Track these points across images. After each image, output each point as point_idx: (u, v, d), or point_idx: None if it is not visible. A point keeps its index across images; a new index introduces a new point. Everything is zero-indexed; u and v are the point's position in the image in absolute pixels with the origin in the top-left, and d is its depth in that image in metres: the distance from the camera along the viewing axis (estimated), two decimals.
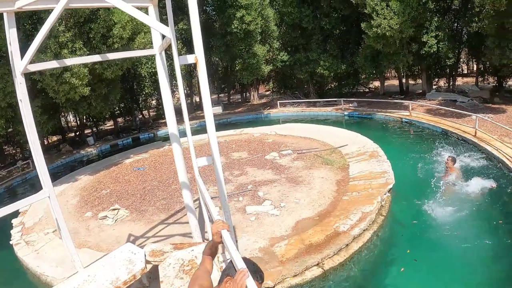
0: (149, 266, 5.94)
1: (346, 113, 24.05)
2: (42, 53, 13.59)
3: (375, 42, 21.27)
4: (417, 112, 20.62)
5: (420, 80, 27.82)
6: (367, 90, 31.95)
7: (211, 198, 5.03)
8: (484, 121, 15.52)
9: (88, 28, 15.51)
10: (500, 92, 22.54)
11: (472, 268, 7.32)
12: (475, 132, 14.85)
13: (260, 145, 16.29)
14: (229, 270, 2.77)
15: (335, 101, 26.11)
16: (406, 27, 19.56)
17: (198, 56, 4.89)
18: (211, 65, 32.81)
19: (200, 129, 23.16)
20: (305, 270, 7.12)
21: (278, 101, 28.40)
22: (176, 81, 25.54)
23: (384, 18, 19.62)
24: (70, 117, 30.66)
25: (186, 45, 26.10)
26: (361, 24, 21.82)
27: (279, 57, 28.53)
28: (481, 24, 17.38)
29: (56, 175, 16.22)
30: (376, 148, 13.84)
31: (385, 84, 30.20)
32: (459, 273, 7.18)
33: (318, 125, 19.89)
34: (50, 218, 10.31)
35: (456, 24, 24.17)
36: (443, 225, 8.79)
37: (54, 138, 26.97)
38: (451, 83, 26.77)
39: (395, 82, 31.25)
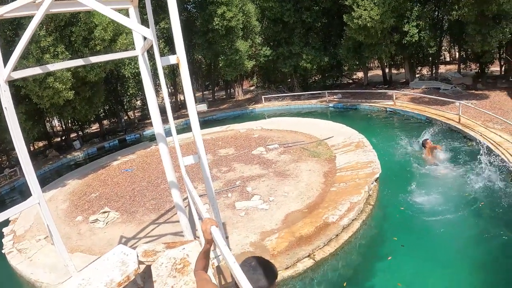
0: (142, 267, 5.99)
1: (330, 105, 24.16)
2: (24, 59, 13.46)
3: (357, 34, 21.40)
4: (401, 101, 20.82)
5: (403, 70, 28.02)
6: (351, 81, 32.07)
7: (200, 196, 5.09)
8: (467, 107, 15.73)
9: (69, 32, 15.37)
10: (482, 78, 22.77)
11: (457, 252, 7.48)
12: (459, 119, 15.05)
13: (247, 141, 16.34)
14: (259, 283, 2.75)
15: (320, 93, 26.21)
16: (387, 17, 19.74)
17: (180, 57, 4.94)
18: (194, 62, 32.73)
19: (186, 128, 23.12)
20: (296, 262, 7.20)
21: (262, 96, 28.42)
22: (159, 80, 25.52)
23: (365, 9, 19.78)
24: (55, 122, 30.43)
25: (169, 43, 26.01)
26: (343, 16, 21.94)
27: (262, 52, 28.56)
28: (461, 12, 17.54)
29: (45, 181, 16.08)
30: (362, 138, 13.97)
31: (369, 74, 30.37)
32: (445, 257, 7.33)
33: (304, 118, 20.00)
34: (41, 225, 10.25)
35: (436, 13, 24.31)
36: (428, 211, 8.99)
37: (40, 144, 26.74)
38: (434, 71, 26.99)
39: (379, 72, 31.44)
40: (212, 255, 6.16)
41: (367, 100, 22.84)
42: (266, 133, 17.43)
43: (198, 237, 6.27)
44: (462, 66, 26.74)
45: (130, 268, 5.60)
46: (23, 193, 15.43)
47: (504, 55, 22.42)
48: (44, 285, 7.68)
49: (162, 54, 4.93)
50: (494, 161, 10.90)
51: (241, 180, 11.59)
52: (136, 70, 22.83)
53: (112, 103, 28.00)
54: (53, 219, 5.84)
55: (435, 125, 15.64)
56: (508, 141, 12.02)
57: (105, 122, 29.73)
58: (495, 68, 25.33)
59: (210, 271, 5.11)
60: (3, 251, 9.63)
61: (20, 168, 5.82)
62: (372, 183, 10.01)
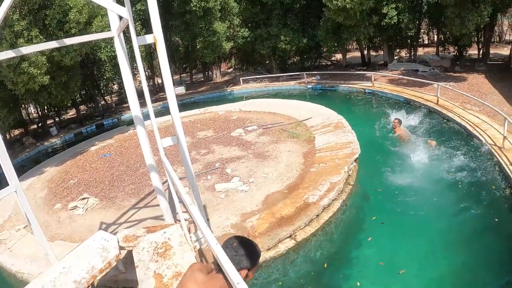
0: (123, 252, 5.89)
1: (309, 86, 24.13)
2: None
3: (336, 15, 21.25)
4: (379, 82, 20.89)
5: (382, 52, 28.02)
6: (329, 63, 32.00)
7: (180, 179, 5.01)
8: (445, 89, 15.86)
9: (43, 15, 14.92)
10: (460, 61, 22.96)
11: (435, 229, 7.60)
12: (437, 100, 15.18)
13: (225, 123, 16.22)
14: (241, 264, 2.75)
15: (298, 75, 26.13)
16: None
17: (157, 36, 4.81)
18: (171, 45, 32.19)
19: (164, 111, 22.84)
20: (278, 243, 7.21)
21: (241, 78, 28.21)
22: (136, 63, 25.13)
23: None
24: (31, 109, 29.74)
25: (145, 26, 25.51)
26: None
27: (240, 33, 28.23)
28: None
29: (22, 169, 15.72)
30: (341, 119, 13.97)
31: (347, 56, 30.36)
32: (424, 235, 7.46)
33: (282, 100, 19.91)
34: (19, 214, 9.99)
35: None
36: (406, 190, 9.18)
37: (16, 131, 26.13)
38: (413, 53, 27.04)
39: (357, 54, 31.40)
40: (193, 237, 6.11)
41: (345, 82, 22.86)
42: (245, 115, 17.33)
43: (179, 221, 6.19)
44: (440, 49, 26.83)
45: (111, 254, 5.50)
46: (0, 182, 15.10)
47: (483, 38, 22.69)
48: (25, 275, 7.52)
49: (138, 35, 4.78)
50: (471, 141, 11.08)
51: (221, 162, 11.52)
52: (113, 54, 22.39)
53: (88, 88, 27.43)
54: (31, 207, 5.69)
55: (413, 106, 15.82)
56: (486, 122, 12.18)
57: (82, 107, 29.06)
58: (473, 51, 25.53)
59: (192, 254, 5.07)
60: None
61: None
62: (351, 164, 10.05)
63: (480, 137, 11.10)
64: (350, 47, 36.22)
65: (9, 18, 13.45)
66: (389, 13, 21.39)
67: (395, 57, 27.64)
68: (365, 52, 28.55)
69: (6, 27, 13.41)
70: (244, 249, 2.86)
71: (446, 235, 7.41)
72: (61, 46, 12.99)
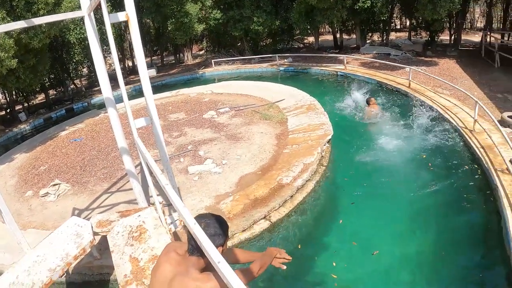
0: (98, 238, 5.79)
1: (281, 68, 24.02)
2: None
3: None
4: (352, 65, 20.94)
5: (354, 35, 28.15)
6: (302, 45, 31.99)
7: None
8: (417, 73, 16.04)
9: None
10: (432, 46, 23.28)
11: (406, 207, 7.74)
12: (409, 84, 15.30)
13: (197, 105, 16.06)
14: (216, 242, 2.68)
15: (270, 57, 25.97)
16: None
17: (129, 13, 4.66)
18: (142, 27, 31.63)
19: (135, 94, 22.53)
20: (253, 224, 7.21)
21: (212, 60, 27.80)
22: (106, 46, 24.53)
23: None
24: None
25: (116, 7, 24.99)
26: None
27: (212, 15, 27.83)
28: None
29: None
30: (313, 101, 14.01)
31: (320, 39, 30.33)
32: (396, 213, 7.57)
33: (254, 82, 19.79)
34: None
35: None
36: (378, 169, 9.33)
37: None
38: (385, 37, 27.24)
39: (330, 37, 31.44)
40: (168, 220, 6.02)
41: (318, 64, 22.82)
42: (217, 97, 17.19)
43: (153, 204, 6.10)
44: (412, 33, 27.16)
45: (85, 240, 5.39)
46: None
47: (454, 24, 22.99)
48: None
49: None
50: (442, 124, 11.28)
51: (193, 144, 11.42)
52: (82, 36, 21.84)
53: (57, 72, 26.70)
54: (2, 196, 5.52)
55: (385, 88, 15.97)
56: (457, 106, 12.35)
57: (51, 92, 28.35)
58: (444, 37, 25.92)
59: (168, 237, 5.01)
60: None
61: None
62: (324, 145, 10.11)
63: (451, 120, 11.24)
64: (322, 30, 36.26)
65: None
66: None
67: (368, 41, 27.79)
68: (338, 35, 28.57)
69: None
70: (213, 227, 2.84)
71: (417, 215, 7.53)
72: (29, 28, 12.59)
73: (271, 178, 8.59)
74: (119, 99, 5.18)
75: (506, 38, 23.10)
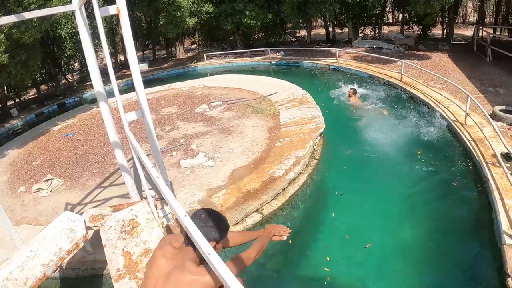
0: (91, 232, 5.78)
1: (273, 62, 24.01)
2: None
3: None
4: (344, 59, 20.97)
5: (347, 29, 28.15)
6: (294, 39, 31.98)
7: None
8: (409, 67, 16.10)
9: None
10: (424, 40, 23.35)
11: (399, 201, 7.79)
12: (401, 77, 15.35)
13: (189, 99, 16.03)
14: (210, 235, 2.72)
15: (263, 51, 25.96)
16: None
17: (120, 6, 4.65)
18: (134, 20, 31.45)
19: (127, 88, 22.43)
20: (245, 217, 7.24)
21: (204, 54, 27.76)
22: (98, 40, 24.37)
23: None
24: None
25: (107, 1, 24.81)
26: None
27: (204, 8, 27.72)
28: None
29: None
30: (305, 94, 14.04)
31: (312, 33, 30.27)
32: (388, 206, 7.62)
33: (246, 75, 19.80)
34: None
35: None
36: (370, 161, 9.39)
37: None
38: (377, 31, 27.29)
39: (322, 31, 31.43)
40: (161, 213, 6.04)
41: (310, 58, 22.85)
42: (209, 90, 17.17)
43: (145, 198, 6.10)
44: (404, 27, 27.26)
45: (78, 235, 5.37)
46: None
47: (447, 18, 23.05)
48: None
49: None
50: (434, 117, 11.37)
51: (185, 138, 11.41)
52: (73, 30, 21.64)
53: (49, 66, 26.47)
54: None
55: (377, 82, 16.04)
56: (449, 99, 12.43)
57: (42, 87, 28.15)
58: (437, 31, 26.02)
59: (160, 230, 5.02)
60: None
61: None
62: (316, 138, 10.14)
63: (443, 114, 11.31)
64: (315, 23, 36.22)
65: None
66: None
67: (360, 35, 27.83)
68: (330, 29, 28.61)
69: None
70: (212, 220, 2.84)
71: (408, 207, 7.58)
72: (20, 23, 12.48)
73: (263, 171, 8.61)
74: (111, 94, 5.17)
75: (498, 33, 23.21)
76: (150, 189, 6.01)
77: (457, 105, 11.73)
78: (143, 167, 4.49)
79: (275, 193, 7.78)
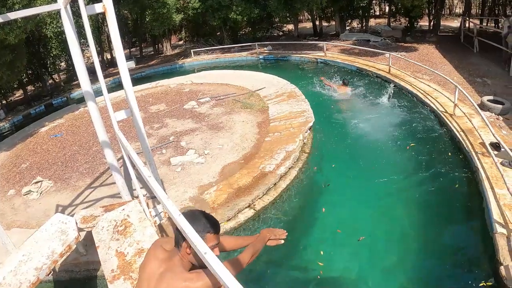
0: (83, 234, 5.75)
1: (261, 57, 23.99)
2: None
3: None
4: (331, 52, 20.99)
5: (334, 22, 28.19)
6: (281, 33, 31.98)
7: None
8: (397, 58, 16.16)
9: None
10: (411, 32, 23.44)
11: (391, 193, 7.83)
12: (389, 69, 15.43)
13: (178, 96, 15.97)
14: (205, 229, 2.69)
15: (250, 45, 25.92)
16: None
17: (106, 4, 4.60)
18: (120, 18, 31.24)
19: (115, 87, 22.20)
20: (237, 213, 7.22)
21: (192, 50, 27.64)
22: (85, 39, 24.13)
23: None
24: None
25: (92, 0, 24.63)
26: None
27: (190, 4, 27.58)
28: None
29: None
30: (294, 88, 14.05)
31: (299, 26, 30.30)
32: (380, 200, 7.66)
33: (234, 71, 19.74)
34: None
35: None
36: (360, 155, 9.48)
37: None
38: (364, 24, 27.35)
39: (309, 25, 31.46)
40: (153, 212, 6.01)
41: (297, 52, 22.86)
42: (197, 87, 17.11)
43: (137, 197, 6.07)
44: (391, 20, 27.34)
45: (71, 237, 5.33)
46: None
47: (434, 10, 23.15)
48: None
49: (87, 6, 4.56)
50: (421, 108, 11.45)
51: (175, 135, 11.37)
52: (59, 29, 21.45)
53: (35, 67, 26.25)
54: None
55: (364, 74, 16.10)
56: (437, 90, 12.51)
57: (29, 87, 27.89)
58: (424, 23, 26.15)
59: (153, 229, 5.00)
60: None
61: None
62: (306, 132, 10.17)
63: (432, 105, 11.38)
64: (302, 17, 36.23)
65: None
66: None
67: (347, 28, 27.87)
68: (317, 22, 28.58)
69: None
70: (203, 217, 2.82)
71: (400, 199, 7.65)
72: (4, 23, 12.33)
73: (254, 167, 8.61)
74: (99, 92, 5.12)
75: (485, 24, 23.35)
76: (141, 188, 5.98)
77: (446, 96, 11.80)
78: (134, 166, 4.47)
79: (266, 188, 7.77)
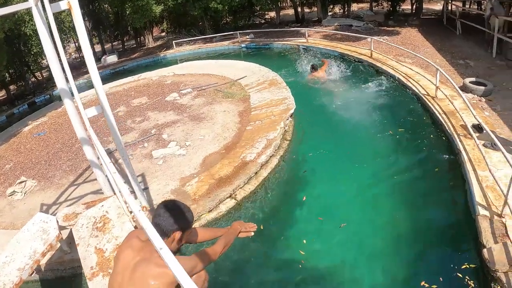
0: (66, 232, 5.75)
1: (243, 45, 23.92)
2: None
3: None
4: (314, 38, 20.96)
5: (316, 8, 28.14)
6: (263, 21, 31.90)
7: (115, 150, 4.85)
8: (379, 43, 16.16)
9: None
10: (393, 15, 23.51)
11: (372, 178, 7.86)
12: (371, 54, 15.46)
13: (160, 88, 15.89)
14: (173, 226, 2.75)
15: (232, 34, 25.79)
16: None
17: (71, 1, 4.56)
18: (100, 12, 31.02)
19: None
20: (219, 204, 7.23)
21: (174, 42, 27.50)
22: (65, 35, 23.92)
23: None
24: None
25: None
26: None
27: None
28: None
29: None
30: (275, 76, 14.05)
31: (281, 14, 30.27)
32: (361, 186, 7.67)
33: (216, 60, 19.75)
34: None
35: None
36: (341, 140, 9.52)
37: None
38: (346, 9, 27.34)
39: (291, 11, 31.39)
40: (130, 207, 6.00)
41: (280, 39, 22.82)
42: (179, 78, 17.05)
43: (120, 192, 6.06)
44: (374, 4, 27.34)
45: (52, 236, 5.33)
46: None
47: None
48: None
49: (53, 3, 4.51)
50: (403, 91, 11.53)
51: (156, 128, 11.34)
52: None
53: (17, 65, 26.04)
54: None
55: (347, 59, 16.12)
56: (419, 73, 12.54)
57: (11, 87, 27.63)
58: (406, 6, 26.20)
59: (131, 224, 5.01)
60: None
61: None
62: (287, 119, 10.18)
63: (413, 88, 11.43)
64: (284, 4, 36.12)
65: None
66: None
67: (329, 13, 27.80)
68: (299, 9, 28.55)
69: None
70: (175, 212, 2.84)
71: (381, 183, 7.65)
72: None
73: (235, 156, 8.62)
74: (80, 88, 5.09)
75: (467, 6, 23.39)
76: (124, 183, 5.98)
77: (428, 79, 11.82)
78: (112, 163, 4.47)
79: (247, 177, 7.78)
